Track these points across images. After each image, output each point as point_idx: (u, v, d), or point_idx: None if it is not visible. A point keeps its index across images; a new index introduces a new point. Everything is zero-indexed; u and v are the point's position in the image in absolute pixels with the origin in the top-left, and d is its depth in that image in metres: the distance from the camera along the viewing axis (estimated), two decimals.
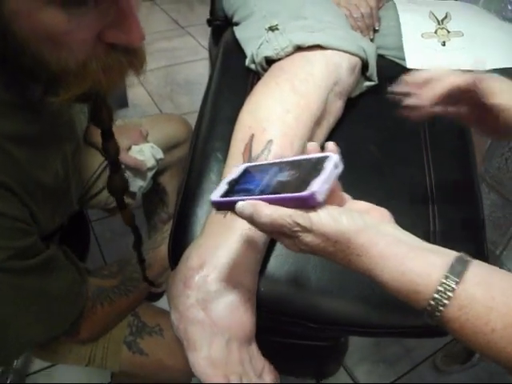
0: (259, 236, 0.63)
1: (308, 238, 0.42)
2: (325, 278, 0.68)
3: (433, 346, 1.43)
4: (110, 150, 0.67)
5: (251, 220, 0.44)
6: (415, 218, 0.73)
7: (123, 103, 2.19)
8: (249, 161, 0.67)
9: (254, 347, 0.62)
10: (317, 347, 0.93)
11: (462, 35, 0.89)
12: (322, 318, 0.67)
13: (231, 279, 0.60)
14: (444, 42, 0.89)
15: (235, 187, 0.48)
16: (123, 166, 0.99)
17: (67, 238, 0.80)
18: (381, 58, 0.98)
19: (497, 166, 1.32)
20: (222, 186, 0.49)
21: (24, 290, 0.57)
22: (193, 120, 0.98)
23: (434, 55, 0.89)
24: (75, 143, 0.73)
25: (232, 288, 0.60)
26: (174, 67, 2.56)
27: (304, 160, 0.46)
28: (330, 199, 0.43)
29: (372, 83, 0.86)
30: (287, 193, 0.42)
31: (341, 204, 0.47)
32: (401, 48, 0.92)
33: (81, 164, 0.80)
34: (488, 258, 0.73)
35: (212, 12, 1.23)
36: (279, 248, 0.70)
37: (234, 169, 0.52)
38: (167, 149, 1.15)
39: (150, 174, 1.09)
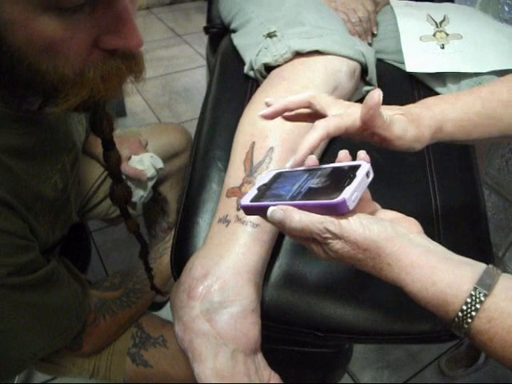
0: (262, 245, 0.63)
1: (338, 245, 0.42)
2: (330, 286, 0.67)
3: (437, 350, 1.42)
4: (112, 160, 0.66)
5: (281, 225, 0.44)
6: (419, 221, 0.73)
7: (121, 112, 2.19)
8: (250, 169, 0.67)
9: (259, 357, 0.61)
10: (321, 354, 0.93)
11: (461, 38, 0.89)
12: (327, 326, 0.66)
13: (235, 289, 0.60)
14: (443, 45, 0.88)
15: (266, 192, 0.49)
16: (124, 176, 0.99)
17: (67, 249, 0.80)
18: (380, 62, 0.98)
19: (497, 168, 1.31)
20: (253, 191, 0.50)
21: (25, 305, 0.57)
22: (191, 128, 0.98)
23: (433, 58, 0.88)
24: (74, 154, 0.72)
25: (236, 298, 0.59)
26: (171, 75, 2.57)
27: (335, 167, 0.46)
28: (361, 208, 0.44)
29: (372, 88, 0.86)
30: (318, 199, 0.42)
31: (371, 213, 0.47)
32: (399, 52, 0.91)
33: (80, 175, 0.79)
34: (494, 261, 0.72)
35: (209, 19, 1.24)
36: (283, 257, 0.69)
37: (264, 174, 0.53)
38: (167, 158, 1.14)
39: (150, 184, 1.09)
